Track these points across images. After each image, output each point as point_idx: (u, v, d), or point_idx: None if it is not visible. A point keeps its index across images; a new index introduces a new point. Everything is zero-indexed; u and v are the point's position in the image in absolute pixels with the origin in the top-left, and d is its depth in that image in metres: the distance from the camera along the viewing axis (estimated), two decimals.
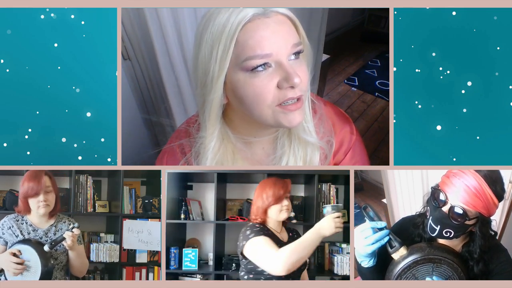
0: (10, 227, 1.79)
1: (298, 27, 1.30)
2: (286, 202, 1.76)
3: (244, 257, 1.70)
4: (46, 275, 1.73)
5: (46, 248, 1.73)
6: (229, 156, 1.42)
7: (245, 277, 1.70)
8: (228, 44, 1.22)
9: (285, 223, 1.84)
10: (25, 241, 1.76)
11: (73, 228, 1.75)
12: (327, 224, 1.52)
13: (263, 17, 1.23)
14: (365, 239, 1.40)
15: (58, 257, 1.80)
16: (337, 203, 2.77)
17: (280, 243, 1.69)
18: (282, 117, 1.28)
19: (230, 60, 1.24)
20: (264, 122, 1.31)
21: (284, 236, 1.80)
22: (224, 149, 1.42)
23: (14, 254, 1.72)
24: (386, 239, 1.40)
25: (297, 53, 1.27)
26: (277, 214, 1.75)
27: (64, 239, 1.73)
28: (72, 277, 1.93)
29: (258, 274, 1.67)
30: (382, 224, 1.42)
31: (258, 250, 1.63)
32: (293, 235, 1.84)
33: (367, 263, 1.45)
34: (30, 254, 1.73)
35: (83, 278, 2.39)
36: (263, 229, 1.70)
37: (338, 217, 1.53)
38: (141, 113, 2.48)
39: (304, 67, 1.29)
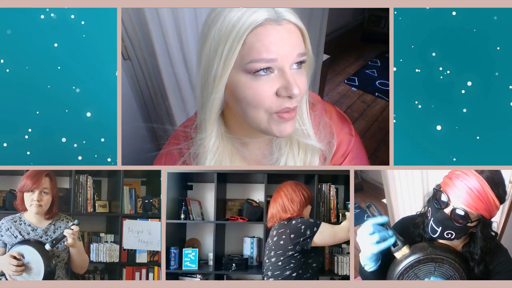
0: (8, 229, 1.79)
1: (306, 38, 1.29)
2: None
3: (300, 251, 1.82)
4: (49, 274, 1.73)
5: (47, 247, 1.74)
6: (228, 156, 1.42)
7: (293, 274, 1.81)
8: (236, 44, 1.20)
9: None
10: (25, 242, 1.76)
11: (72, 225, 1.75)
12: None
13: (275, 23, 1.21)
14: (370, 236, 1.38)
15: (60, 255, 1.80)
16: (336, 203, 2.77)
17: None
18: (274, 125, 1.27)
19: (235, 61, 1.23)
20: (256, 127, 1.30)
21: None
22: (222, 149, 1.41)
23: (15, 257, 1.71)
24: (393, 240, 1.39)
25: (299, 63, 1.26)
26: (308, 215, 2.01)
27: (64, 237, 1.74)
28: (72, 275, 1.93)
29: (307, 267, 1.84)
30: (384, 218, 1.40)
31: (330, 230, 1.87)
32: None
33: (370, 267, 1.43)
34: (31, 255, 1.72)
35: (83, 278, 2.39)
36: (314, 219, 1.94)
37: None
38: (141, 114, 2.48)
39: (304, 78, 1.29)
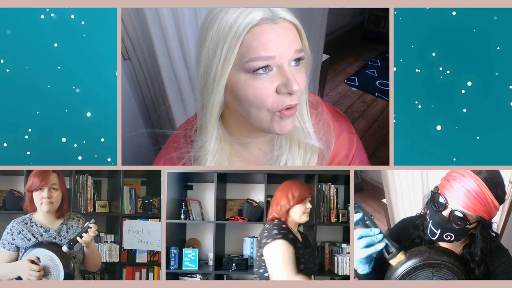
0: (20, 232, 1.73)
1: (302, 35, 1.30)
2: (309, 205, 1.84)
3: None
4: (68, 276, 1.68)
5: (64, 249, 1.69)
6: (226, 158, 1.42)
7: (265, 274, 1.73)
8: (234, 44, 1.22)
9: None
10: (41, 245, 1.70)
11: (89, 224, 1.71)
12: None
13: (271, 22, 1.23)
14: (357, 241, 1.38)
15: (76, 255, 1.76)
16: (336, 203, 2.77)
17: (298, 244, 1.75)
18: (276, 123, 1.28)
19: (233, 61, 1.24)
20: (259, 126, 1.31)
21: (299, 237, 1.83)
22: (221, 152, 1.41)
23: (33, 262, 1.65)
24: (382, 245, 1.37)
25: (297, 60, 1.27)
26: (300, 216, 1.81)
27: (81, 237, 1.69)
28: (83, 273, 1.88)
29: None
30: (377, 230, 1.39)
31: (278, 257, 1.68)
32: (304, 237, 1.90)
33: (362, 269, 1.43)
34: (49, 258, 1.68)
35: (83, 278, 2.39)
36: (289, 232, 1.75)
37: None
38: (141, 114, 2.48)
39: (303, 75, 1.30)
